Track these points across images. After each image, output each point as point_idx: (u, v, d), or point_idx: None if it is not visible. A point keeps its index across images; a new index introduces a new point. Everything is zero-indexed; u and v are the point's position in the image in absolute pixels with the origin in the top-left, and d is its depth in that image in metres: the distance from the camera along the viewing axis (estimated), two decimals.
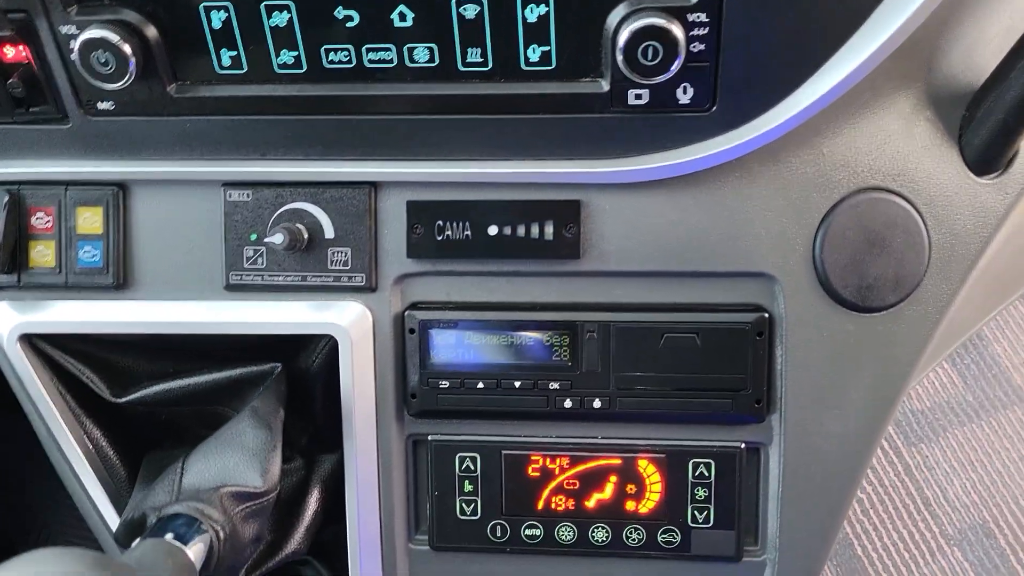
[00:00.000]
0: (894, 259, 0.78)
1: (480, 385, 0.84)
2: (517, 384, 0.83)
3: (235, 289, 0.85)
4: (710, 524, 0.85)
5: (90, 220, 0.86)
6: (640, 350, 0.82)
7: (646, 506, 0.86)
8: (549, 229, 0.80)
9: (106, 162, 0.83)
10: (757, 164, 0.78)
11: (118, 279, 0.86)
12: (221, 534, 0.69)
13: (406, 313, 0.84)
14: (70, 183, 0.85)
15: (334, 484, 0.88)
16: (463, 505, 0.88)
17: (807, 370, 0.81)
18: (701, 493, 0.85)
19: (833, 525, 0.84)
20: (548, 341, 0.83)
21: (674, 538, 0.86)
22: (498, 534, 0.88)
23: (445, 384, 0.84)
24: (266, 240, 0.81)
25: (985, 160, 0.78)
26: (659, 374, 0.82)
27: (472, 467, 0.87)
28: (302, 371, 0.88)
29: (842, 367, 0.81)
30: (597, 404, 0.83)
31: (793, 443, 0.82)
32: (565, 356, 0.83)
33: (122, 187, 0.85)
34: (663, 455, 0.85)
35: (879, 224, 0.77)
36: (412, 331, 0.84)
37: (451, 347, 0.84)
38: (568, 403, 0.83)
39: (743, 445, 0.84)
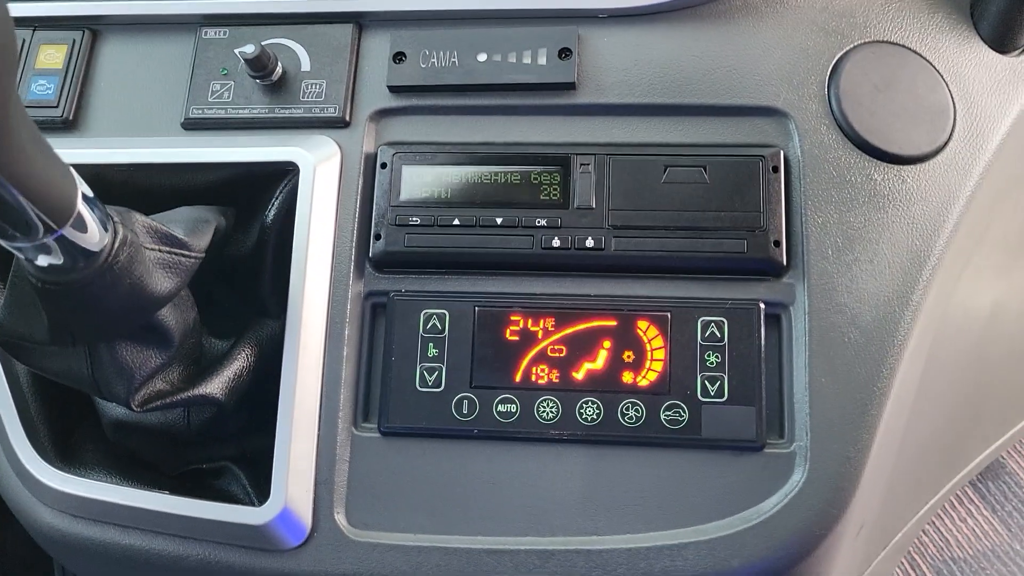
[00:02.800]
0: (918, 111, 0.74)
1: (456, 222, 0.73)
2: (499, 220, 0.73)
3: (194, 127, 0.78)
4: (724, 398, 0.70)
5: (52, 57, 0.81)
6: (640, 185, 0.73)
7: (647, 377, 0.71)
8: (543, 57, 0.76)
9: (79, 2, 0.80)
10: (763, 5, 0.76)
11: (67, 114, 0.78)
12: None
13: (379, 148, 0.76)
14: (40, 23, 0.81)
15: (272, 352, 0.73)
16: (424, 374, 0.72)
17: (830, 218, 0.72)
18: (712, 359, 0.71)
19: (875, 404, 0.69)
20: (537, 179, 0.74)
21: (680, 416, 0.70)
22: (464, 411, 0.71)
23: (416, 220, 0.74)
24: (236, 50, 0.76)
25: (1001, 34, 0.77)
26: (661, 210, 0.73)
27: (439, 326, 0.73)
28: (255, 229, 0.77)
29: (869, 219, 0.72)
30: (590, 243, 0.72)
31: (820, 302, 0.70)
32: (555, 194, 0.74)
33: (94, 33, 0.81)
34: (666, 313, 0.72)
35: (899, 76, 0.74)
36: (384, 166, 0.75)
37: (427, 184, 0.75)
38: (556, 241, 0.73)
39: (762, 304, 0.72)
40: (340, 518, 0.70)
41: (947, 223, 0.73)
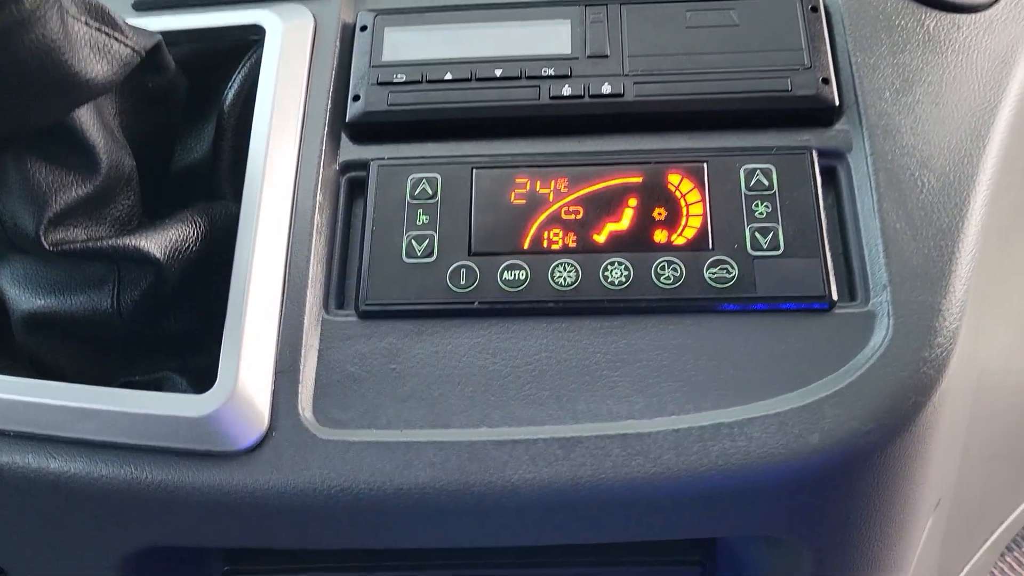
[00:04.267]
0: None
1: (448, 76, 0.63)
2: (498, 72, 0.62)
3: (146, 6, 0.68)
4: (779, 250, 0.57)
5: None
6: (660, 32, 0.63)
7: (683, 235, 0.58)
8: None
9: None
10: None
11: None
12: None
13: (359, 13, 0.66)
14: None
15: (226, 237, 0.60)
16: (412, 243, 0.59)
17: (882, 59, 0.62)
18: (762, 209, 0.58)
19: (962, 254, 0.56)
20: (543, 32, 0.64)
21: (728, 272, 0.57)
22: (462, 282, 0.58)
23: (401, 78, 0.63)
24: None
25: None
26: (687, 54, 0.62)
27: (430, 191, 0.60)
28: (208, 127, 0.66)
29: (926, 61, 0.62)
30: (607, 88, 0.61)
31: (884, 144, 0.59)
32: (564, 47, 0.63)
33: None
34: (702, 163, 0.60)
35: None
36: (364, 28, 0.65)
37: (413, 45, 0.65)
38: (567, 89, 0.62)
39: (814, 151, 0.60)
40: (306, 413, 0.55)
41: (1015, 75, 0.63)
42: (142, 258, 0.55)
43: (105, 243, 0.54)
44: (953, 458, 0.69)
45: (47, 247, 0.52)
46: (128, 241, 0.54)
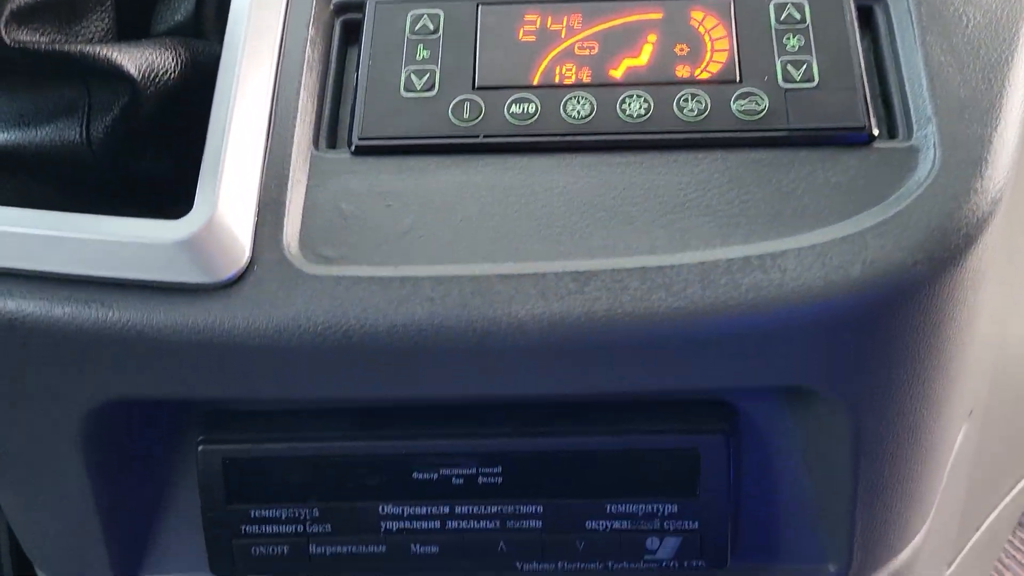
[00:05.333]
0: None
1: None
2: None
3: None
4: (814, 83, 0.52)
5: None
6: None
7: (708, 69, 0.53)
8: None
9: None
10: None
11: None
12: None
13: None
14: None
15: (210, 76, 0.54)
16: (412, 77, 0.54)
17: None
18: (793, 42, 0.54)
19: (1011, 89, 0.52)
20: None
21: (757, 104, 0.52)
22: (466, 115, 0.53)
23: None
24: None
25: None
26: None
27: (431, 26, 0.56)
28: None
29: None
30: None
31: None
32: None
33: None
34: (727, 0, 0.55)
35: None
36: None
37: None
38: None
39: None
40: (292, 248, 0.50)
41: None
42: (114, 72, 0.50)
43: (73, 48, 0.49)
44: (985, 368, 0.64)
45: (7, 42, 0.47)
46: (100, 51, 0.49)
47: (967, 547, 0.88)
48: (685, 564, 0.55)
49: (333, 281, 0.49)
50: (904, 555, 0.61)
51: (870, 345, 0.48)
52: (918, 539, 0.61)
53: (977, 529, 0.90)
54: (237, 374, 0.49)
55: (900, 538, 0.59)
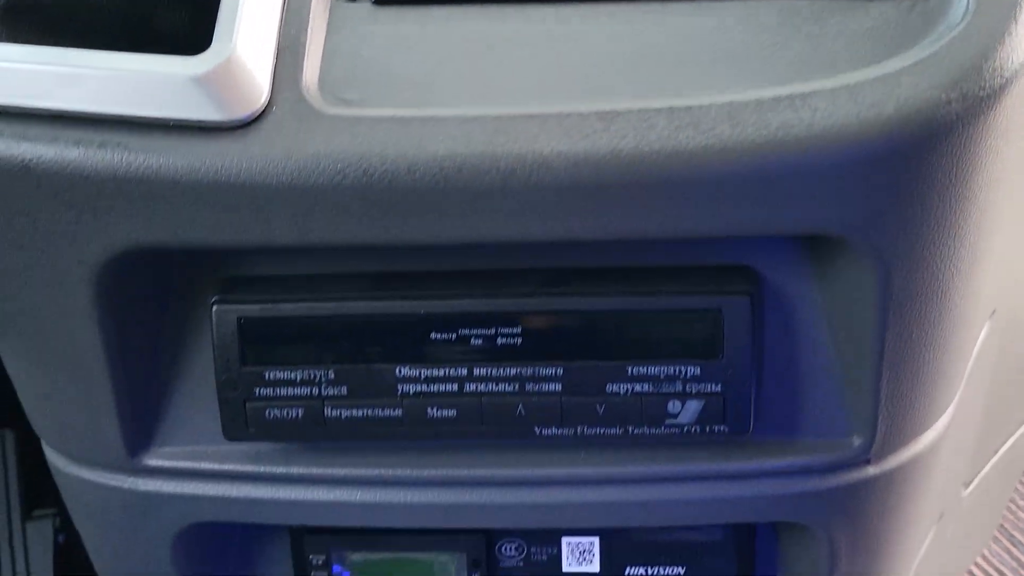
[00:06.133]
0: None
1: None
2: None
3: None
4: None
5: None
6: None
7: None
8: None
9: None
10: None
11: None
12: None
13: None
14: None
15: None
16: None
17: None
18: None
19: None
20: None
21: None
22: None
23: None
24: None
25: None
26: None
27: None
28: None
29: None
30: None
31: None
32: None
33: None
34: None
35: None
36: None
37: None
38: None
39: None
40: (311, 88, 0.49)
41: None
42: None
43: None
44: (1006, 271, 0.63)
45: None
46: None
47: (984, 470, 0.87)
48: (707, 429, 0.54)
49: (353, 121, 0.48)
50: (927, 438, 0.60)
51: (902, 187, 0.47)
52: (941, 423, 0.60)
53: (995, 452, 0.89)
54: (255, 217, 0.48)
55: (924, 417, 0.58)
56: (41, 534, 0.94)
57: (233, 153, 0.47)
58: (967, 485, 0.85)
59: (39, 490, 0.97)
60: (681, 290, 0.53)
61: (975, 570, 1.14)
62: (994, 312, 0.66)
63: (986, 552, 1.15)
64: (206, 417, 0.57)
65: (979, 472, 0.86)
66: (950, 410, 0.61)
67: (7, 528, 0.94)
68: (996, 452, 0.89)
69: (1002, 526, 1.19)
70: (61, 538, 0.95)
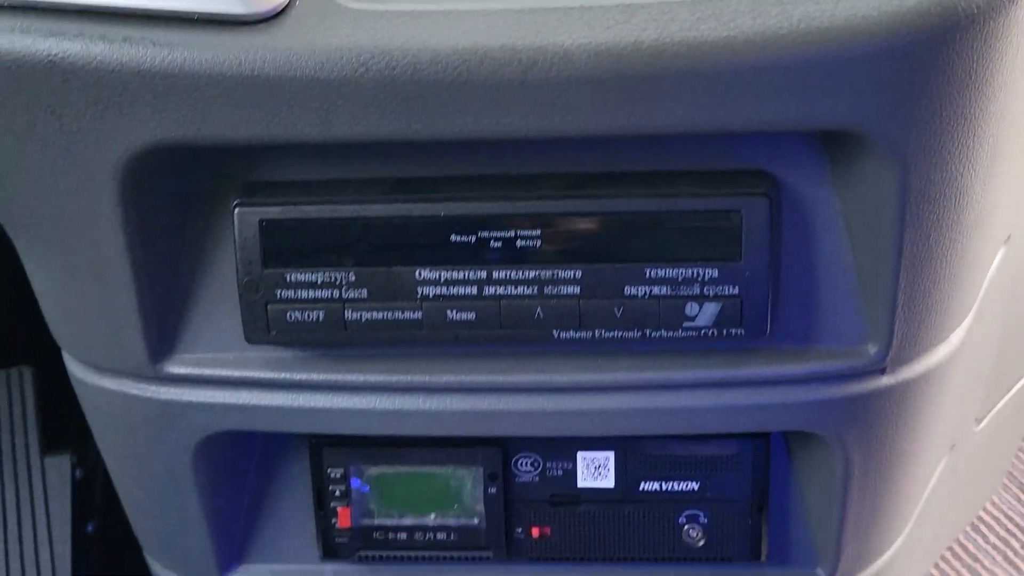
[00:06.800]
0: None
1: None
2: None
3: None
4: None
5: None
6: None
7: None
8: None
9: None
10: None
11: None
12: None
13: None
14: None
15: None
16: None
17: None
18: None
19: None
20: None
21: None
22: None
23: None
24: None
25: None
26: None
27: None
28: None
29: None
30: None
31: None
32: None
33: None
34: None
35: None
36: None
37: None
38: None
39: None
40: None
41: None
42: None
43: None
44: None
45: None
46: None
47: (997, 407, 0.88)
48: (724, 332, 0.54)
49: (376, 15, 0.48)
50: (941, 351, 0.60)
51: (921, 81, 0.47)
52: (955, 337, 0.61)
53: (1008, 391, 0.89)
54: (279, 112, 0.49)
55: (939, 328, 0.58)
56: (59, 469, 0.95)
57: (257, 47, 0.48)
58: (979, 421, 0.85)
59: (56, 427, 0.98)
60: (700, 192, 0.53)
61: (984, 515, 1.15)
62: (1009, 238, 0.66)
63: (995, 499, 1.16)
64: (228, 325, 0.58)
65: (991, 409, 0.87)
66: (964, 325, 0.61)
67: (26, 464, 0.95)
68: (1009, 390, 0.90)
69: (1012, 474, 1.20)
70: (78, 474, 0.96)
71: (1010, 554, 1.12)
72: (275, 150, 0.55)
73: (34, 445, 0.96)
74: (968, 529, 1.13)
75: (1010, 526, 1.15)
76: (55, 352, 0.65)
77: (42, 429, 0.97)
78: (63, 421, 0.94)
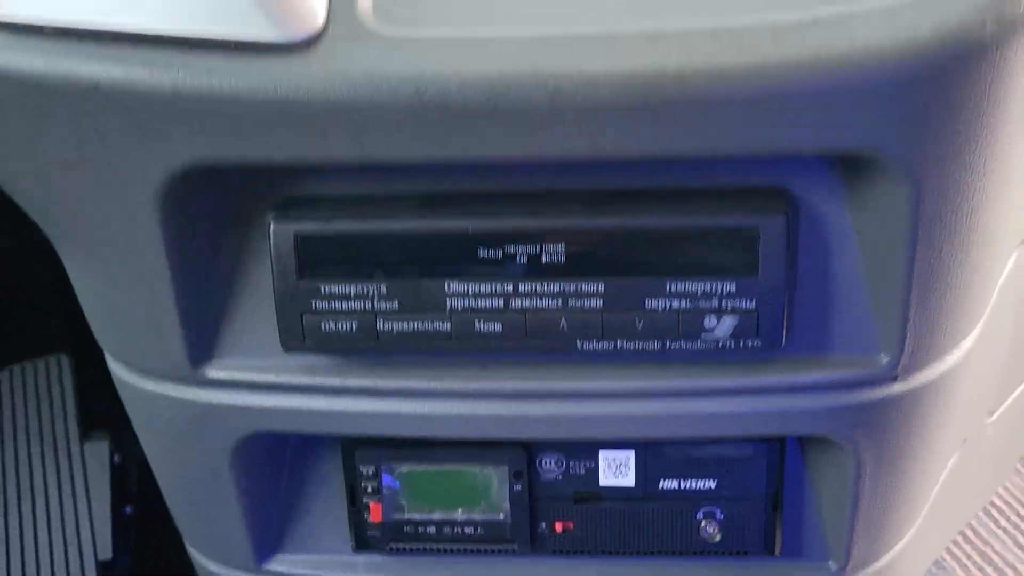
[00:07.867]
0: None
1: None
2: None
3: None
4: None
5: None
6: None
7: None
8: None
9: None
10: None
11: None
12: None
13: None
14: None
15: None
16: None
17: None
18: None
19: None
20: None
21: None
22: None
23: None
24: None
25: None
26: None
27: None
28: None
29: None
30: None
31: None
32: None
33: None
34: None
35: None
36: None
37: None
38: None
39: None
40: (366, 10, 0.51)
41: None
42: None
43: None
44: None
45: None
46: None
47: (1010, 399, 0.89)
48: (741, 344, 0.56)
49: (407, 42, 0.50)
50: (953, 358, 0.62)
51: (935, 107, 0.49)
52: (967, 344, 0.63)
53: (1021, 383, 0.91)
54: (312, 135, 0.51)
55: (950, 337, 0.60)
56: (98, 454, 0.98)
57: (291, 73, 0.50)
58: (991, 413, 0.87)
59: (95, 412, 1.01)
60: (719, 209, 0.55)
61: (997, 500, 1.17)
62: (1023, 242, 0.67)
63: (1008, 484, 1.18)
64: (265, 332, 0.60)
65: (1004, 401, 0.88)
66: (976, 332, 0.63)
67: (66, 448, 0.99)
68: (1022, 382, 0.91)
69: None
70: (117, 458, 0.99)
71: (1021, 538, 1.14)
72: (309, 167, 0.57)
73: (73, 431, 1.00)
74: (980, 513, 1.15)
75: (1022, 511, 1.17)
76: (91, 341, 0.67)
77: (81, 416, 1.00)
78: (101, 407, 0.97)
